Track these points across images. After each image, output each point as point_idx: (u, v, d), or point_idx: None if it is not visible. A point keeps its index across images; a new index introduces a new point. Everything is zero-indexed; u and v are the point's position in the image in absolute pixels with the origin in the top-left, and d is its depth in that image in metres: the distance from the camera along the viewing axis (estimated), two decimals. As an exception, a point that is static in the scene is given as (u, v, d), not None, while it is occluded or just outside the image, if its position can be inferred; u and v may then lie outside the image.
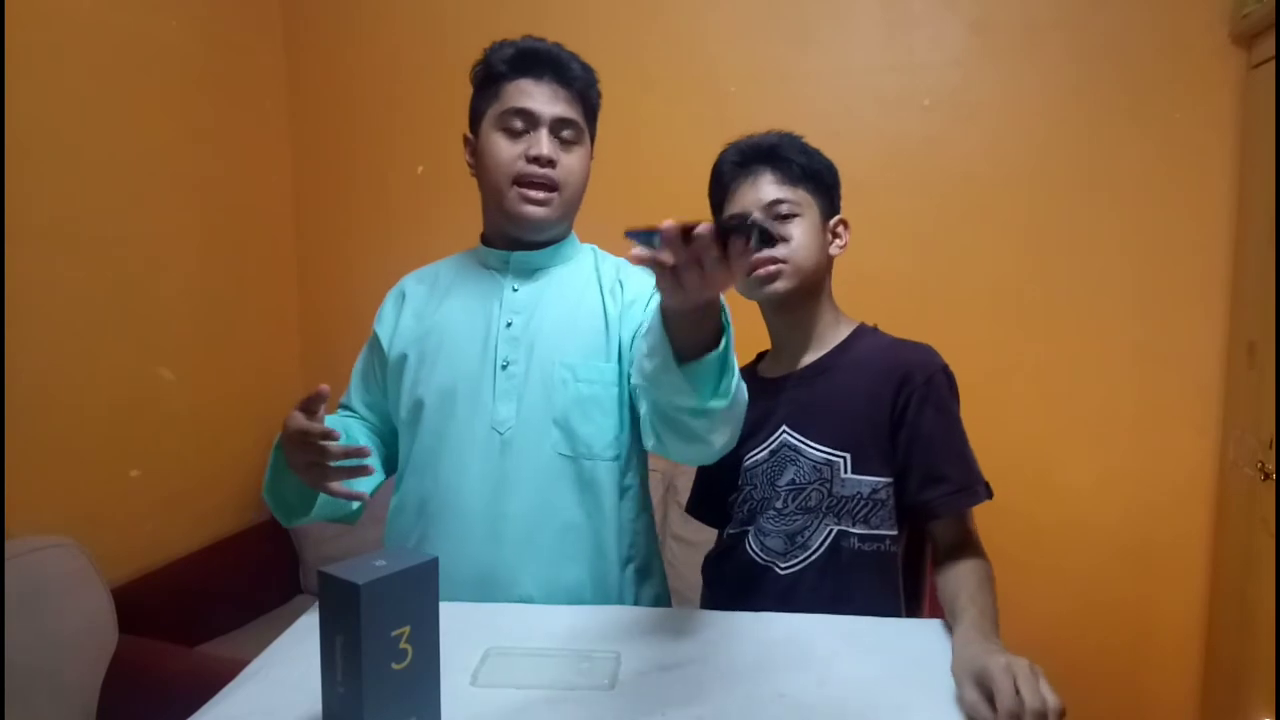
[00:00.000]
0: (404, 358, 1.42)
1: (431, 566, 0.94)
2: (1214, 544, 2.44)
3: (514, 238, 1.42)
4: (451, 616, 1.02)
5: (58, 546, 1.91)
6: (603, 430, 1.40)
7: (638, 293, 1.44)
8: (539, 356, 1.37)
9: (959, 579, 1.23)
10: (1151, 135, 2.39)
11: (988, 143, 2.48)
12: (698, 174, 2.74)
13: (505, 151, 1.36)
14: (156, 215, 2.39)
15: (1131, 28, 2.38)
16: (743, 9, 2.58)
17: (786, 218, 1.37)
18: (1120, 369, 2.46)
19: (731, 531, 1.43)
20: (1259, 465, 2.07)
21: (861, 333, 1.43)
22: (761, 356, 1.54)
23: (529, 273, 1.44)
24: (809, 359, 1.41)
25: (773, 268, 1.35)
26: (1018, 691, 0.93)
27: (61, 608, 1.88)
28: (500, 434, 1.36)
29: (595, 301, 1.44)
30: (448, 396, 1.38)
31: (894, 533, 1.32)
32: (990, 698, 0.95)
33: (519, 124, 1.36)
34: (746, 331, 1.50)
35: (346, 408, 1.53)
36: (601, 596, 1.39)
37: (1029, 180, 2.47)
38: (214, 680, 1.08)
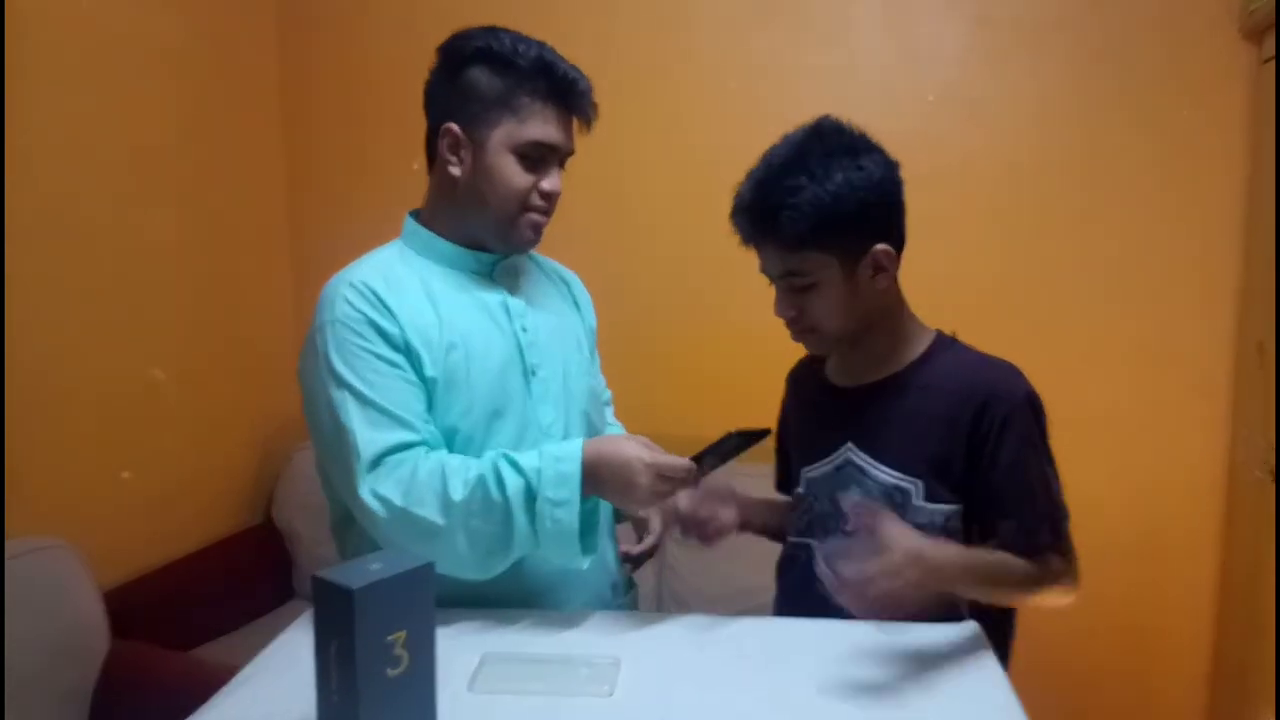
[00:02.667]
0: (434, 381, 1.26)
1: (427, 571, 0.93)
2: (1222, 544, 2.43)
3: (489, 247, 1.37)
4: (448, 622, 1.01)
5: (49, 548, 1.90)
6: (605, 420, 1.51)
7: (588, 310, 1.56)
8: (558, 357, 1.40)
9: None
10: (1160, 131, 2.38)
11: (992, 139, 2.47)
12: (700, 170, 2.73)
13: (522, 181, 1.29)
14: (152, 215, 2.38)
15: (1139, 22, 2.37)
16: (745, 5, 2.57)
17: (801, 288, 1.26)
18: (1128, 368, 2.45)
19: (792, 540, 1.39)
20: (1267, 466, 2.06)
21: (939, 346, 1.33)
22: None
23: (510, 275, 1.42)
24: (878, 375, 1.32)
25: (803, 338, 1.31)
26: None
27: (53, 611, 1.87)
28: (550, 437, 1.35)
29: (562, 298, 1.51)
30: (494, 411, 1.30)
31: None
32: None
33: (538, 154, 1.30)
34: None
35: (410, 446, 1.21)
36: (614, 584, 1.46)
37: (1034, 177, 2.46)
38: (207, 685, 1.08)
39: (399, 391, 1.22)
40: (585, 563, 1.20)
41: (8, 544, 1.83)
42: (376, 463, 1.18)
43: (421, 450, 1.20)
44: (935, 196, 2.49)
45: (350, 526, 1.31)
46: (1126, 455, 2.46)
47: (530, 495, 1.15)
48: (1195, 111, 2.34)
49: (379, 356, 1.22)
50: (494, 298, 1.36)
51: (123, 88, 2.29)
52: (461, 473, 1.18)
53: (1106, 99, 2.40)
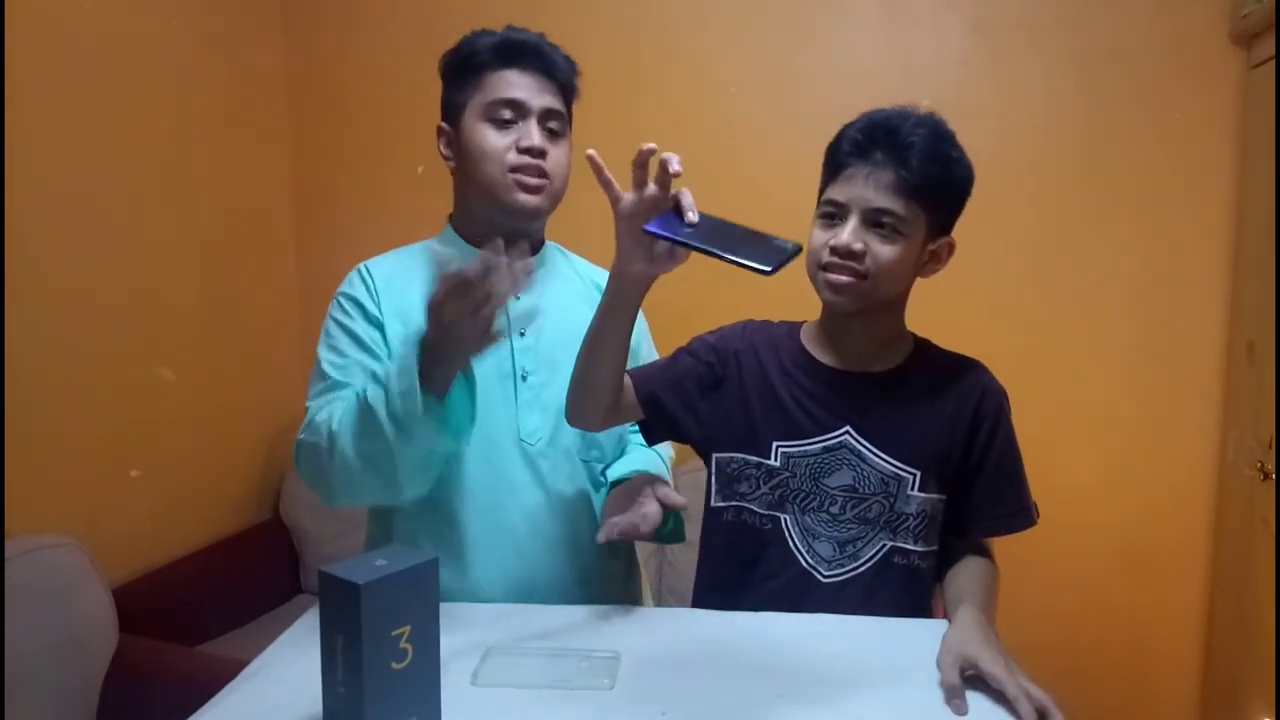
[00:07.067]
0: None
1: (432, 566, 0.94)
2: (1214, 544, 2.44)
3: (509, 233, 1.38)
4: (452, 616, 1.02)
5: (58, 546, 1.91)
6: (612, 433, 1.45)
7: None
8: (558, 365, 1.37)
9: (969, 576, 1.26)
10: (1151, 135, 2.39)
11: (988, 143, 2.45)
12: (698, 174, 2.74)
13: (496, 142, 1.33)
14: (156, 215, 2.39)
15: (1132, 28, 2.38)
16: (743, 8, 2.58)
17: (886, 231, 1.21)
18: (1120, 368, 2.46)
19: (759, 511, 1.32)
20: (1258, 465, 2.07)
21: (923, 344, 1.37)
22: (800, 324, 1.41)
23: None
24: (883, 365, 1.32)
25: (846, 279, 1.22)
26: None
27: (62, 608, 1.88)
28: (531, 445, 1.36)
29: (586, 305, 1.44)
30: None
31: (936, 548, 1.32)
32: (968, 683, 1.02)
33: (508, 114, 1.33)
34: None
35: (344, 385, 1.31)
36: (612, 589, 1.45)
37: (1029, 180, 2.47)
38: (214, 680, 1.08)
39: (357, 340, 1.33)
40: (454, 442, 1.20)
41: (18, 541, 1.85)
42: (310, 421, 1.29)
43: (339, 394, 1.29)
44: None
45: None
46: (1119, 454, 2.47)
47: (387, 396, 1.15)
48: (1187, 115, 2.36)
49: (353, 336, 1.34)
50: None
51: (129, 91, 2.30)
52: (344, 402, 1.24)
53: (1100, 103, 2.41)
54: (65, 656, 1.86)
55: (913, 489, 1.28)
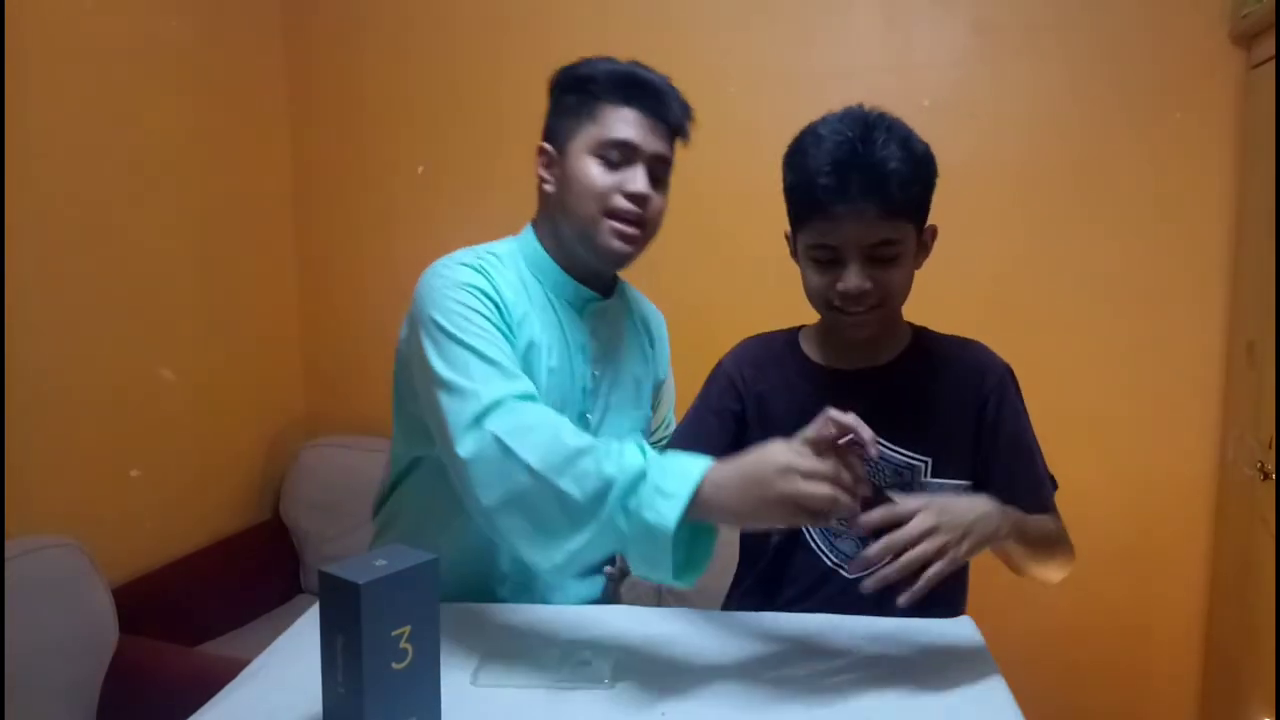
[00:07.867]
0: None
1: (432, 566, 0.94)
2: (1213, 544, 2.44)
3: (593, 268, 1.37)
4: (452, 616, 1.02)
5: (58, 546, 1.91)
6: None
7: (663, 355, 1.55)
8: (611, 409, 1.41)
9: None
10: (1151, 135, 2.39)
11: (987, 143, 2.48)
12: (699, 174, 2.73)
13: (601, 181, 1.28)
14: (157, 215, 2.39)
15: (1131, 28, 2.38)
16: (743, 9, 2.58)
17: (887, 259, 1.21)
18: (1119, 369, 2.46)
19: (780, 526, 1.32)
20: (1258, 465, 2.07)
21: (922, 331, 1.38)
22: (798, 330, 1.43)
23: (601, 314, 1.41)
24: (883, 358, 1.34)
25: (862, 319, 1.24)
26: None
27: (61, 608, 1.88)
28: None
29: (639, 346, 1.49)
30: None
31: None
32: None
33: (617, 155, 1.28)
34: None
35: (533, 397, 1.18)
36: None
37: (1028, 180, 2.47)
38: (214, 680, 1.08)
39: (510, 353, 1.21)
40: (674, 580, 1.03)
41: (18, 542, 1.84)
42: (498, 405, 1.13)
43: (541, 405, 1.17)
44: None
45: (391, 497, 1.43)
46: (1119, 454, 2.47)
47: (639, 476, 1.02)
48: (1187, 115, 2.35)
49: (489, 319, 1.22)
50: (576, 335, 1.36)
51: (129, 91, 2.30)
52: (577, 433, 1.11)
53: (1100, 103, 2.41)
54: (65, 656, 1.86)
55: (927, 476, 1.29)
